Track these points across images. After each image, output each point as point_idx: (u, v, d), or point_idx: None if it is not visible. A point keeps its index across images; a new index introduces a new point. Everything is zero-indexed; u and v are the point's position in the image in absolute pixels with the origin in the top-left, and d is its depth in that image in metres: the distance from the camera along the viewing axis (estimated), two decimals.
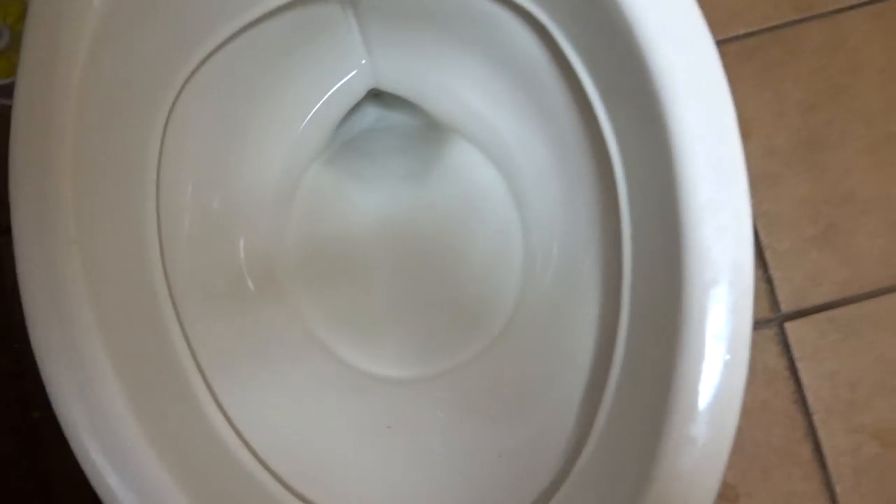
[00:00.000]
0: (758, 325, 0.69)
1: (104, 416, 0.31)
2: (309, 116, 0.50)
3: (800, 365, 0.69)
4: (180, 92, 0.39)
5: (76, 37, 0.32)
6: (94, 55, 0.32)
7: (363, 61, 0.50)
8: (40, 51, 0.32)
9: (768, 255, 0.70)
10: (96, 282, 0.32)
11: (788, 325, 0.69)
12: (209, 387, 0.36)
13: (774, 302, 0.69)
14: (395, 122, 0.57)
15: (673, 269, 0.32)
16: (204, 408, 0.36)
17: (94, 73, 0.32)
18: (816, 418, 0.68)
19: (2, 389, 0.68)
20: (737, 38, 0.72)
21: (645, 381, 0.35)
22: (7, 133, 0.71)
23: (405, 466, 0.42)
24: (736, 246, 0.32)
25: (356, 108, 0.53)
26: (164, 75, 0.38)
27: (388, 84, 0.51)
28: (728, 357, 0.32)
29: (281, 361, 0.45)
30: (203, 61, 0.39)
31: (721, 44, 0.72)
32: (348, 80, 0.50)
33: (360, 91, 0.51)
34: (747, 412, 0.69)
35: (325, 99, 0.50)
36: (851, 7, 0.72)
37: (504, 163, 0.51)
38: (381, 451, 0.43)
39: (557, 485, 0.37)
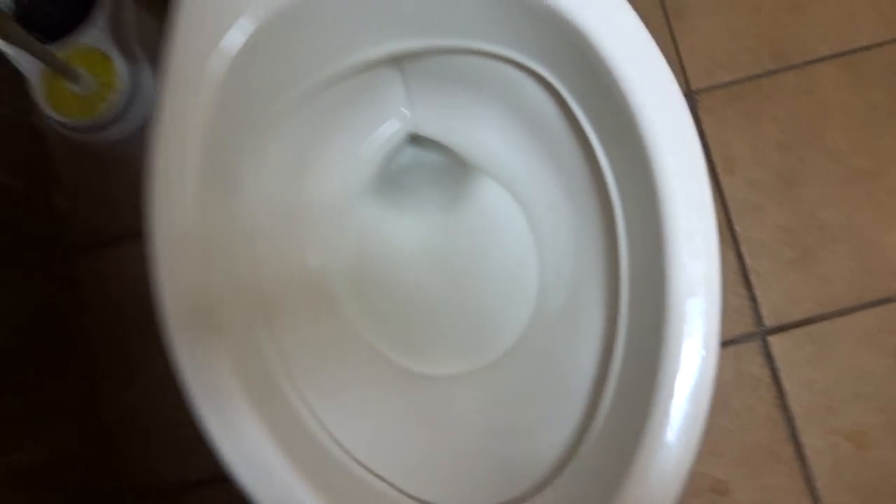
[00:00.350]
0: (743, 338, 0.77)
1: (229, 409, 0.40)
2: (361, 154, 0.59)
3: (781, 374, 0.76)
4: (267, 134, 0.48)
5: (200, 93, 0.42)
6: (213, 108, 0.42)
7: (406, 112, 0.60)
8: (173, 105, 0.42)
9: (752, 276, 0.78)
10: (215, 296, 0.41)
11: (770, 339, 0.77)
12: (294, 385, 0.45)
13: (758, 318, 0.77)
14: (429, 160, 0.66)
15: (659, 284, 0.41)
16: (295, 404, 0.44)
17: (210, 123, 0.42)
18: (797, 422, 0.75)
19: (77, 392, 0.76)
20: (722, 85, 0.81)
21: (638, 373, 0.43)
22: (87, 164, 0.80)
23: (444, 447, 0.51)
24: (707, 265, 0.40)
25: (397, 148, 0.62)
26: (256, 123, 0.47)
27: (426, 130, 0.61)
28: (703, 352, 0.40)
29: (343, 362, 0.54)
30: (284, 112, 0.49)
31: (707, 91, 0.81)
32: (393, 127, 0.60)
33: (403, 136, 0.61)
34: (735, 415, 0.76)
35: (374, 141, 0.59)
36: (822, 59, 0.81)
37: (522, 197, 0.60)
38: (425, 435, 0.51)
39: (567, 460, 0.45)
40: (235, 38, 0.43)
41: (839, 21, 0.81)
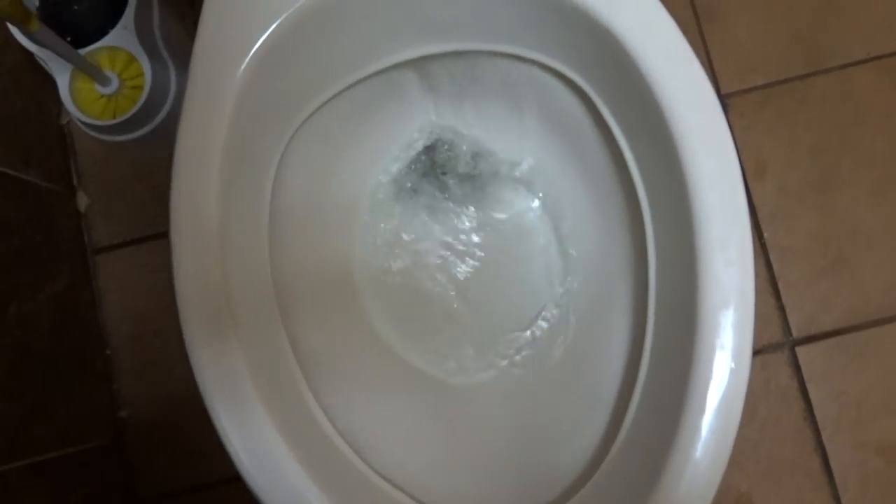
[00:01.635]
0: (771, 348, 0.75)
1: (241, 405, 0.39)
2: (385, 156, 0.59)
3: (810, 385, 0.74)
4: (293, 136, 0.48)
5: (224, 99, 0.41)
6: (236, 114, 0.41)
7: (432, 115, 0.59)
8: (197, 110, 0.41)
9: (781, 284, 0.76)
10: (233, 292, 0.40)
11: (799, 349, 0.75)
12: (312, 385, 0.44)
13: (786, 327, 0.76)
14: (453, 162, 0.65)
15: (690, 293, 0.40)
16: (311, 406, 0.44)
17: (235, 127, 0.42)
18: (825, 434, 0.74)
19: (96, 391, 0.77)
20: (755, 88, 0.79)
21: (666, 383, 0.42)
22: (111, 164, 0.81)
23: (466, 453, 0.50)
24: (741, 275, 0.39)
25: (422, 150, 0.62)
26: (283, 124, 0.47)
27: (450, 132, 0.60)
28: (733, 365, 0.39)
29: (361, 363, 0.53)
30: (311, 114, 0.48)
31: (739, 94, 0.79)
32: (418, 129, 0.59)
33: (427, 138, 0.60)
34: (762, 427, 0.74)
35: (398, 143, 0.59)
36: (857, 62, 0.79)
37: (548, 201, 0.59)
38: (447, 440, 0.51)
39: (592, 469, 0.44)
40: (262, 39, 0.43)
41: (875, 23, 0.79)
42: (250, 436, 0.40)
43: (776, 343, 0.75)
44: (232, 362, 0.40)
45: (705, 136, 0.40)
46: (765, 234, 0.77)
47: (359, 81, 0.50)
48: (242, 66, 0.42)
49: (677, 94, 0.41)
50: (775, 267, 0.76)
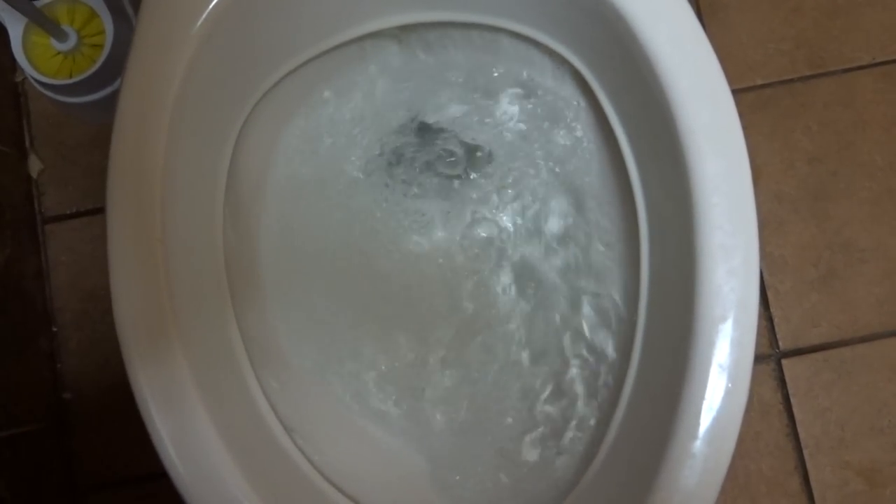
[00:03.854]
0: (756, 360, 0.71)
1: (175, 398, 0.35)
2: (357, 134, 0.54)
3: (794, 400, 0.72)
4: (256, 105, 0.43)
5: (174, 60, 0.36)
6: (188, 77, 0.36)
7: (407, 90, 0.54)
8: (142, 71, 0.36)
9: (770, 294, 0.73)
10: (174, 276, 0.35)
11: (785, 362, 0.72)
12: (255, 372, 0.40)
13: (773, 339, 0.73)
14: (428, 146, 0.60)
15: (687, 304, 0.36)
16: (258, 403, 0.39)
17: (186, 93, 0.37)
18: (806, 452, 0.71)
19: (38, 370, 0.71)
20: (753, 88, 0.76)
21: (654, 400, 0.38)
22: (68, 127, 0.75)
23: (417, 466, 0.46)
24: (744, 287, 0.35)
25: (393, 129, 0.56)
26: (244, 92, 0.42)
27: (427, 111, 0.55)
28: (730, 385, 0.36)
29: (319, 355, 0.49)
30: (277, 83, 0.44)
31: (737, 93, 0.76)
32: (391, 106, 0.54)
33: (401, 116, 0.55)
34: (741, 442, 0.71)
35: (368, 119, 0.54)
36: (861, 67, 0.75)
37: (529, 194, 0.54)
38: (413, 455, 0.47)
39: (566, 492, 0.41)
40: None
41: (882, 28, 0.76)
42: (187, 439, 0.35)
43: (762, 354, 0.73)
44: (176, 373, 0.36)
45: (715, 132, 0.37)
46: None
47: (332, 49, 0.45)
48: (198, 23, 0.37)
49: (687, 84, 0.37)
50: (765, 276, 0.73)
